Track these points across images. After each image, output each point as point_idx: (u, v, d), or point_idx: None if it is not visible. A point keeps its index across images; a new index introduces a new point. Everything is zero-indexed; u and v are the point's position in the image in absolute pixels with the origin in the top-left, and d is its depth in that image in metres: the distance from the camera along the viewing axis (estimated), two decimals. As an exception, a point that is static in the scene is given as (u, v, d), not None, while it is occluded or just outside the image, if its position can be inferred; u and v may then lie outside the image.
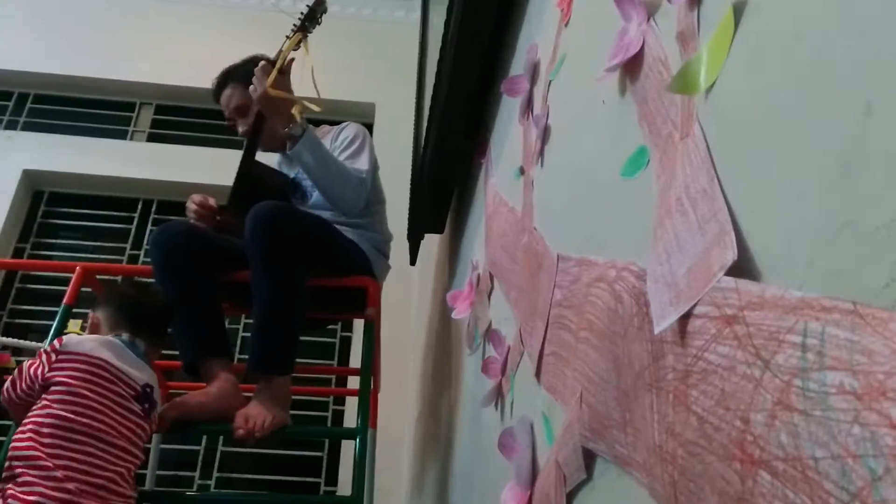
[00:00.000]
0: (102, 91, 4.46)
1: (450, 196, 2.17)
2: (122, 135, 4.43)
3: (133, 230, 4.19)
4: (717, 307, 0.47)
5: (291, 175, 2.28)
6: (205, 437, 3.48)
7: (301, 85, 2.07)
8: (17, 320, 3.87)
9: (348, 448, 3.41)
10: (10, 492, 1.37)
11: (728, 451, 0.43)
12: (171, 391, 2.38)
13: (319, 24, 2.09)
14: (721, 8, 0.54)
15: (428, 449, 2.53)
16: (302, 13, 2.07)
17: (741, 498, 0.41)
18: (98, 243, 4.15)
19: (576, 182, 0.92)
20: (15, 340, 2.60)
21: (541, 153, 1.11)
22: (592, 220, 0.83)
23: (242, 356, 3.20)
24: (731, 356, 0.44)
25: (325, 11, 2.08)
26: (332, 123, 2.39)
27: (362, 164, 2.15)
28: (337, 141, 2.23)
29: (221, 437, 3.39)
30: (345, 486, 3.43)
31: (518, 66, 1.35)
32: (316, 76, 2.05)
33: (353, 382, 3.32)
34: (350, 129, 2.26)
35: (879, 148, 0.36)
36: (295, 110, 1.98)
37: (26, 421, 1.48)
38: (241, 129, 2.27)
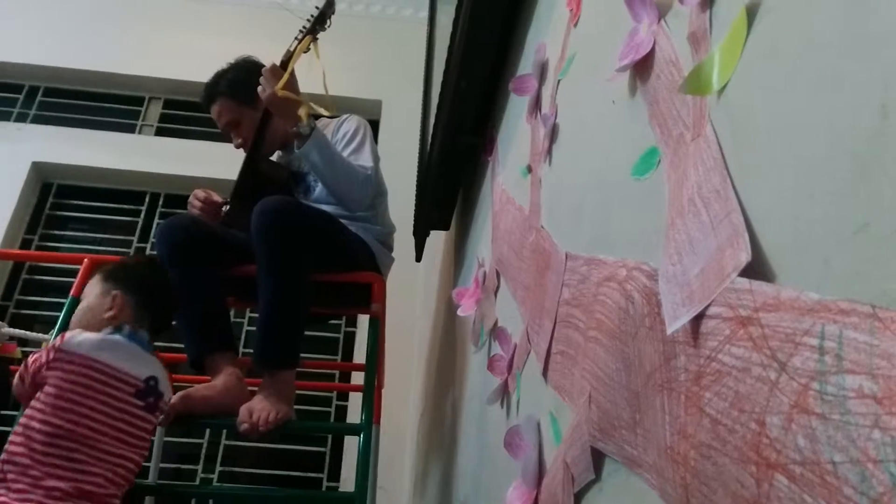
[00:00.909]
0: (111, 85, 4.47)
1: (456, 193, 2.17)
2: (130, 128, 4.45)
3: (140, 223, 4.21)
4: (730, 308, 0.46)
5: (293, 169, 2.28)
6: (208, 431, 3.49)
7: (309, 85, 2.07)
8: (24, 311, 3.89)
9: (351, 444, 3.42)
10: (2, 499, 1.38)
11: (743, 454, 0.43)
12: (175, 384, 2.38)
13: (329, 27, 2.09)
14: (734, 9, 0.54)
15: (432, 446, 2.53)
16: (311, 15, 2.06)
17: (756, 501, 0.40)
18: (105, 236, 4.16)
19: (585, 181, 0.91)
20: (22, 331, 2.60)
21: (549, 152, 1.11)
22: (602, 219, 0.83)
23: (247, 350, 3.20)
24: (745, 358, 0.44)
25: (333, 13, 2.07)
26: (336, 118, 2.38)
27: (366, 159, 2.15)
28: (338, 135, 2.22)
29: (225, 431, 3.39)
30: (347, 483, 3.43)
31: (526, 66, 1.35)
32: (325, 74, 2.05)
33: (357, 378, 3.32)
34: (350, 123, 2.25)
35: (898, 151, 0.36)
36: (302, 111, 1.98)
37: (21, 421, 1.47)
38: (236, 143, 2.26)
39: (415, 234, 2.61)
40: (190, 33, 4.52)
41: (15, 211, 3.98)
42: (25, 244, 4.05)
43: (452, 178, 2.06)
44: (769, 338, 0.42)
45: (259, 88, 1.99)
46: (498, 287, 1.42)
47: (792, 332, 0.40)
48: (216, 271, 1.94)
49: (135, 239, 4.15)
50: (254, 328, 1.89)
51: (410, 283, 3.57)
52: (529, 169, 1.22)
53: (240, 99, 2.21)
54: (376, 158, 2.21)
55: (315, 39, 2.06)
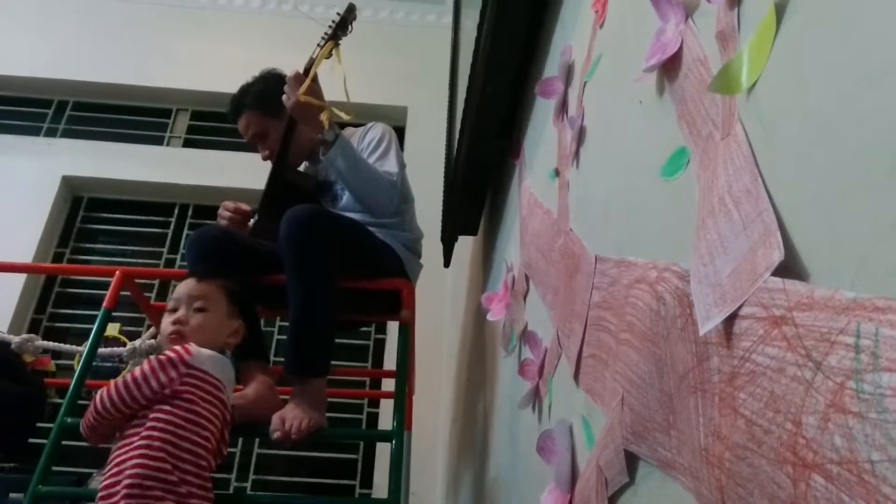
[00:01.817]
0: (139, 98, 4.53)
1: (483, 198, 2.17)
2: (158, 140, 4.50)
3: (170, 234, 4.25)
4: (764, 308, 0.46)
5: (320, 178, 2.29)
6: (241, 440, 3.51)
7: (331, 91, 2.08)
8: (58, 324, 3.94)
9: (383, 451, 3.43)
10: None
11: (779, 455, 0.42)
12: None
13: (350, 32, 2.10)
14: (762, 6, 0.54)
15: (464, 451, 2.53)
16: (333, 21, 2.08)
17: (793, 502, 0.40)
18: (135, 248, 4.21)
19: (613, 183, 0.91)
20: (55, 344, 2.63)
21: (576, 154, 1.10)
22: (631, 221, 0.83)
23: (278, 359, 3.22)
24: (780, 358, 0.44)
25: (355, 19, 2.09)
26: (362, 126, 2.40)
27: (392, 165, 2.16)
28: (364, 142, 2.24)
29: (258, 440, 3.41)
30: (380, 489, 3.44)
31: (552, 68, 1.34)
32: (348, 80, 2.06)
33: (388, 385, 3.33)
34: (376, 130, 2.27)
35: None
36: (324, 117, 1.99)
37: (152, 434, 1.46)
38: (263, 154, 2.28)
39: (443, 239, 2.61)
40: (215, 44, 4.57)
41: (46, 225, 4.05)
42: (57, 258, 4.11)
43: (479, 183, 2.06)
44: (804, 337, 0.41)
45: (283, 97, 2.02)
46: (527, 291, 1.42)
47: (827, 331, 0.39)
48: (246, 280, 1.95)
49: (165, 250, 4.20)
50: (284, 337, 1.90)
51: (439, 289, 3.57)
52: (557, 172, 1.22)
53: (266, 111, 2.24)
54: (402, 165, 2.22)
55: (337, 45, 2.07)
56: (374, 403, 3.81)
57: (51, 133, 4.43)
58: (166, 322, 1.68)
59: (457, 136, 2.20)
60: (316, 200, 2.20)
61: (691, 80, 0.68)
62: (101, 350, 2.38)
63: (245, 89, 2.32)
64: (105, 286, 2.09)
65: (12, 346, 2.43)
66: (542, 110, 1.41)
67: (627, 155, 0.86)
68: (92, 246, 4.24)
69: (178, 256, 4.12)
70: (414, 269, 2.23)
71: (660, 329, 0.65)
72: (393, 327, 3.49)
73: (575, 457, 0.92)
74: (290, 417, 1.70)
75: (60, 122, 4.48)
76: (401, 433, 1.84)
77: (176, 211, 4.32)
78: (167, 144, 4.51)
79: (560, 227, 1.16)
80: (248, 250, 2.02)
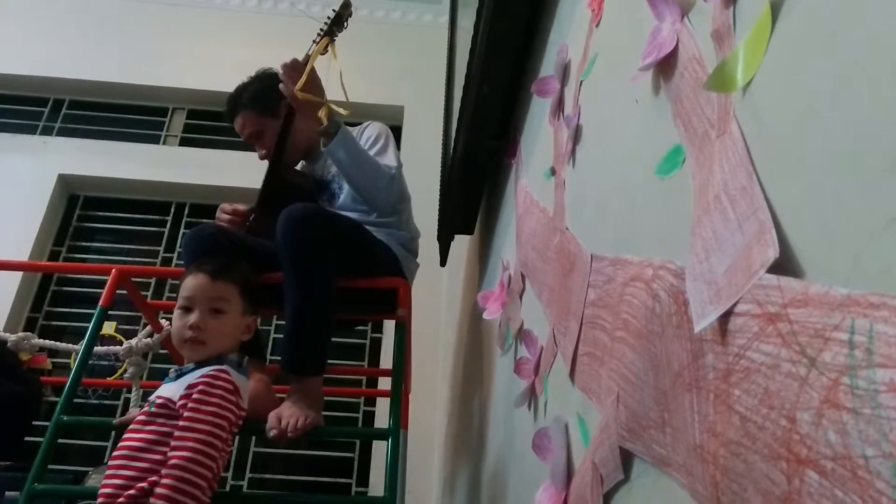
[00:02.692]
0: (135, 96, 4.53)
1: (479, 197, 2.17)
2: (154, 139, 4.50)
3: (166, 233, 4.25)
4: (759, 305, 0.46)
5: (317, 177, 2.29)
6: (237, 438, 3.51)
7: (328, 88, 2.09)
8: (54, 322, 3.93)
9: (379, 449, 3.43)
10: None
11: (773, 451, 0.42)
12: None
13: (346, 28, 2.10)
14: (757, 5, 0.54)
15: (459, 450, 2.53)
16: (328, 17, 2.08)
17: (788, 498, 0.40)
18: (132, 246, 4.21)
19: (609, 182, 0.91)
20: (52, 342, 2.62)
21: (572, 153, 1.11)
22: (626, 219, 0.83)
23: (274, 357, 3.22)
24: (774, 354, 0.44)
25: (350, 15, 2.09)
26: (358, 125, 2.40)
27: (390, 160, 2.16)
28: (361, 140, 2.24)
29: (254, 438, 3.42)
30: (376, 487, 3.44)
31: (548, 67, 1.35)
32: (345, 80, 2.06)
33: (384, 384, 3.33)
34: (373, 128, 2.27)
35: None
36: (321, 113, 1.99)
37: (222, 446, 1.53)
38: (260, 154, 2.29)
39: (439, 239, 2.61)
40: (211, 43, 4.57)
41: (42, 223, 4.04)
42: (53, 256, 4.10)
43: (476, 182, 2.06)
44: (798, 333, 0.42)
45: (280, 84, 2.01)
46: (523, 290, 1.42)
47: (821, 328, 0.40)
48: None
49: (161, 249, 4.19)
50: (281, 335, 1.90)
51: (436, 288, 3.58)
52: (553, 171, 1.22)
53: (262, 110, 2.24)
54: (399, 162, 2.22)
55: (332, 41, 2.07)
56: (371, 402, 3.81)
57: (47, 131, 4.43)
58: (180, 324, 1.62)
59: (453, 135, 2.20)
60: (313, 199, 2.20)
61: (687, 79, 0.68)
62: (98, 348, 2.38)
63: (241, 89, 2.32)
64: (101, 285, 2.09)
65: (8, 344, 2.42)
66: (539, 109, 1.41)
67: (623, 153, 0.86)
68: (88, 244, 4.23)
69: (175, 255, 4.12)
70: (410, 268, 2.23)
71: (655, 327, 0.66)
72: (389, 326, 3.49)
73: (570, 454, 0.92)
74: (287, 416, 1.70)
75: (57, 121, 4.48)
76: (397, 431, 1.84)
77: (172, 209, 4.32)
78: (163, 143, 4.51)
79: (556, 226, 1.16)
80: (244, 249, 2.02)
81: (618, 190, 0.87)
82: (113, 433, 1.55)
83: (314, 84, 2.01)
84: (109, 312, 2.02)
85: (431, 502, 3.37)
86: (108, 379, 3.40)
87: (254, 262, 2.00)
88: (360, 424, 3.77)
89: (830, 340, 0.38)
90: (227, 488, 3.47)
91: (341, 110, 2.02)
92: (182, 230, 4.21)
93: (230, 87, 2.33)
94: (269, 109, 2.21)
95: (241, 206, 2.23)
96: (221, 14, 4.67)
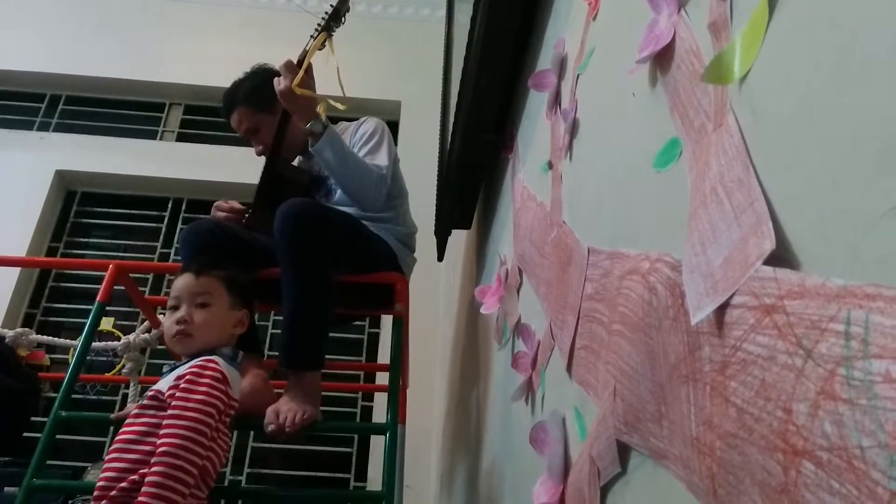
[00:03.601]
0: (132, 92, 4.52)
1: (477, 192, 2.17)
2: (152, 135, 4.49)
3: (164, 229, 4.25)
4: (755, 297, 0.46)
5: (314, 173, 2.29)
6: (235, 433, 3.51)
7: (326, 83, 2.08)
8: (52, 318, 3.93)
9: (377, 444, 3.44)
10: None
11: (769, 442, 0.42)
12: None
13: (343, 24, 2.09)
14: (754, -4, 0.54)
15: (457, 444, 2.53)
16: (326, 13, 2.07)
17: (784, 489, 0.40)
18: (129, 242, 4.21)
19: (606, 175, 0.91)
20: (49, 338, 2.63)
21: (569, 147, 1.11)
22: (623, 212, 0.83)
23: (272, 353, 3.23)
24: (771, 346, 0.44)
25: (348, 10, 2.08)
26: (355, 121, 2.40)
27: (382, 159, 2.15)
28: (356, 136, 2.23)
29: (252, 433, 3.42)
30: (374, 482, 3.45)
31: (545, 61, 1.34)
32: (342, 75, 2.06)
33: (382, 379, 3.33)
34: (368, 124, 2.27)
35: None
36: (320, 108, 1.99)
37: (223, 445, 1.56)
38: (257, 150, 2.28)
39: (436, 233, 2.61)
40: (208, 39, 4.56)
41: (40, 219, 4.04)
42: (51, 252, 4.10)
43: (473, 177, 2.06)
44: (794, 325, 0.42)
45: (275, 80, 2.01)
46: (520, 284, 1.42)
47: (818, 319, 0.40)
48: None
49: (158, 245, 4.19)
50: (278, 331, 1.90)
51: (433, 283, 3.58)
52: (550, 165, 1.22)
53: (258, 106, 2.23)
54: (394, 159, 2.21)
55: (330, 36, 2.07)
56: (369, 397, 3.81)
57: (44, 127, 4.42)
58: (169, 322, 1.65)
59: (450, 130, 2.20)
60: (310, 195, 2.20)
61: (684, 72, 0.68)
62: (95, 344, 2.38)
63: (237, 85, 2.31)
64: (99, 280, 2.09)
65: (6, 340, 2.43)
66: (536, 103, 1.41)
67: (620, 147, 0.86)
68: (86, 240, 4.23)
69: (172, 251, 4.12)
70: (408, 263, 2.23)
71: (652, 320, 0.66)
72: (387, 321, 3.49)
73: (567, 448, 0.92)
74: (285, 410, 1.71)
75: (54, 117, 4.47)
76: (395, 426, 1.85)
77: (170, 205, 4.32)
78: (161, 139, 4.50)
79: (553, 220, 1.16)
80: (242, 244, 2.02)
81: (615, 183, 0.87)
82: (111, 428, 1.55)
83: (307, 82, 2.01)
84: (107, 308, 2.02)
85: (430, 497, 3.38)
86: (106, 375, 3.40)
87: (251, 258, 2.00)
88: (358, 420, 3.77)
89: (827, 332, 0.38)
90: (226, 483, 3.47)
91: (339, 105, 2.02)
92: (179, 226, 4.21)
93: (227, 83, 2.32)
94: (266, 105, 2.21)
95: (236, 204, 2.23)
96: (219, 9, 4.66)
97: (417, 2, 4.73)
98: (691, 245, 0.57)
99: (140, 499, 1.35)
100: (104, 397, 3.66)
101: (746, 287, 0.47)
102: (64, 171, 4.21)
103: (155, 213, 4.30)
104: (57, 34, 4.47)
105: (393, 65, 4.47)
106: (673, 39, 0.71)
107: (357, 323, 3.76)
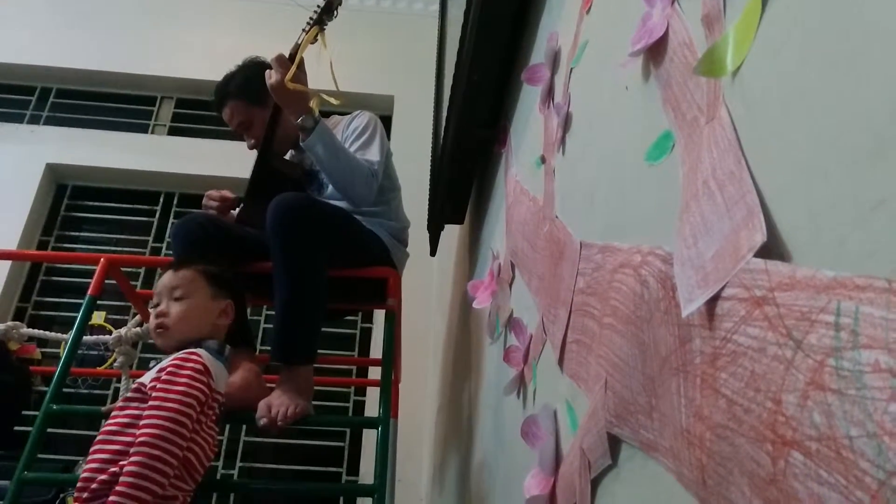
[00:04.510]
0: (123, 85, 4.50)
1: (469, 187, 2.17)
2: (143, 128, 4.47)
3: (155, 222, 4.24)
4: (746, 289, 0.46)
5: (306, 167, 2.29)
6: (228, 427, 3.51)
7: (319, 78, 2.08)
8: (43, 312, 3.92)
9: (370, 438, 3.44)
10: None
11: (759, 433, 0.42)
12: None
13: (335, 17, 2.09)
14: (748, -11, 0.54)
15: (449, 438, 2.54)
16: (318, 6, 2.07)
17: (773, 479, 0.40)
18: (121, 236, 4.20)
19: (599, 169, 0.91)
20: (41, 332, 2.62)
21: (562, 141, 1.11)
22: (616, 206, 0.83)
23: (265, 347, 3.22)
24: (761, 337, 0.44)
25: (340, 4, 2.07)
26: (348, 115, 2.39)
27: (374, 154, 2.15)
28: (348, 130, 2.23)
29: (244, 427, 3.42)
30: (366, 476, 3.45)
31: (538, 55, 1.34)
32: (335, 69, 2.05)
33: (374, 373, 3.33)
34: (361, 119, 2.26)
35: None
36: (313, 103, 1.99)
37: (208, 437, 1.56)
38: (249, 143, 2.28)
39: (429, 228, 2.61)
40: (200, 32, 4.54)
41: (30, 213, 4.02)
42: (42, 246, 4.09)
43: (466, 171, 2.06)
44: (785, 317, 0.42)
45: (266, 73, 2.00)
46: (513, 279, 1.42)
47: (808, 310, 0.40)
48: (231, 268, 1.95)
49: (150, 238, 4.18)
50: (271, 325, 1.90)
51: (426, 278, 3.57)
52: (543, 159, 1.22)
53: (250, 100, 2.23)
54: (386, 154, 2.21)
55: (322, 30, 2.06)
56: (361, 392, 3.81)
57: (34, 120, 4.40)
58: (151, 317, 1.69)
59: (443, 124, 2.20)
60: (302, 189, 2.19)
61: (677, 65, 0.68)
62: (87, 338, 2.37)
63: (229, 78, 2.30)
64: (90, 274, 2.08)
65: (-4, 333, 2.42)
66: (529, 98, 1.41)
67: (613, 140, 0.86)
68: (77, 234, 4.22)
69: (164, 245, 4.11)
70: (400, 257, 2.23)
71: (643, 312, 0.66)
72: (379, 316, 3.49)
73: (559, 441, 0.92)
74: (277, 404, 1.70)
75: (44, 110, 4.45)
76: (387, 420, 1.85)
77: (161, 199, 4.31)
78: (152, 132, 4.49)
79: (546, 214, 1.16)
80: (233, 238, 2.01)
81: (607, 177, 0.87)
82: (102, 422, 1.55)
83: (299, 77, 2.00)
84: (98, 302, 2.01)
85: (421, 490, 3.38)
86: (97, 368, 3.39)
87: (243, 252, 1.99)
88: (350, 414, 3.78)
89: (816, 323, 0.39)
90: (218, 477, 3.47)
91: (332, 100, 2.02)
92: (171, 219, 4.20)
93: (219, 77, 2.32)
94: (258, 99, 2.20)
95: (228, 193, 2.23)
96: (210, 2, 4.64)
97: (411, -5, 4.72)
98: (683, 238, 0.57)
99: (117, 488, 1.35)
100: (95, 391, 3.66)
101: (737, 279, 0.47)
102: (55, 164, 4.19)
103: (146, 206, 4.29)
104: (47, 27, 4.44)
105: (386, 59, 4.46)
106: (666, 32, 0.71)
107: (349, 318, 3.76)
